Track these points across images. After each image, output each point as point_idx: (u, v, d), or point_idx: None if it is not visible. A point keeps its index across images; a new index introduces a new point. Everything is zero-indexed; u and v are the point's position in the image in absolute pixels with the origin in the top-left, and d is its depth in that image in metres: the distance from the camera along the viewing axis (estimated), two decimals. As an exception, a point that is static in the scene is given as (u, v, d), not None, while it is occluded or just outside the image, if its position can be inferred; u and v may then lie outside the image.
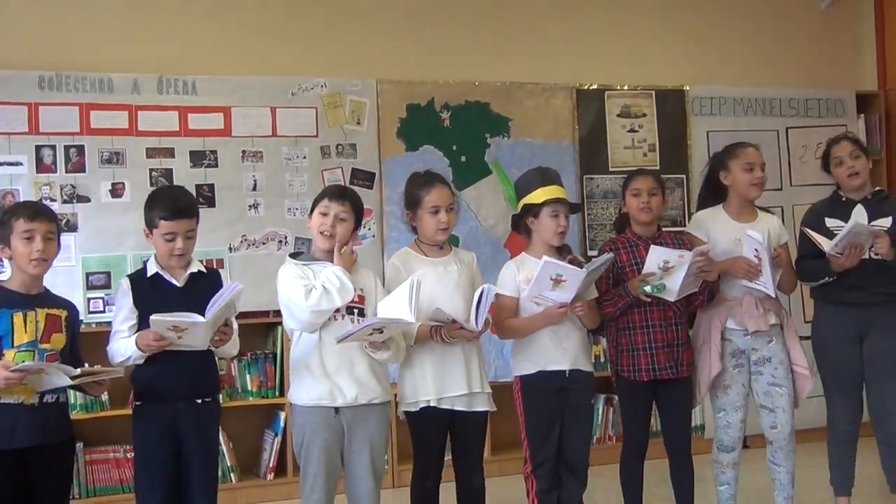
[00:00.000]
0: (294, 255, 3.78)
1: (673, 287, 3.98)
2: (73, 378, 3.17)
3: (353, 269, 3.71)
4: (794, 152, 6.56)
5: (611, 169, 6.08)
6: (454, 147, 5.91)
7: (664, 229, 4.43)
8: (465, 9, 6.21)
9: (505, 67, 6.16)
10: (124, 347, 3.42)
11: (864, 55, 7.14)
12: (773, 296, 4.19)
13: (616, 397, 5.52)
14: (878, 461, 4.55)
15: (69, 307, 3.43)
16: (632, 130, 6.29)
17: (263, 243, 5.47)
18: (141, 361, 3.42)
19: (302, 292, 3.53)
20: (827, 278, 4.38)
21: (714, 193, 4.44)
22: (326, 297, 3.53)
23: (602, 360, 5.91)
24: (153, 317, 3.30)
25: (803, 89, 6.69)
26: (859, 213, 4.35)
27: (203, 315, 3.28)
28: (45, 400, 3.23)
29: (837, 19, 7.07)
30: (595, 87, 6.25)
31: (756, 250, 4.07)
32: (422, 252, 3.96)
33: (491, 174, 5.92)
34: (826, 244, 4.18)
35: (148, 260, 3.62)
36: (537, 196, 4.00)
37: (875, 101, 6.90)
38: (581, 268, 3.83)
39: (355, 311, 3.66)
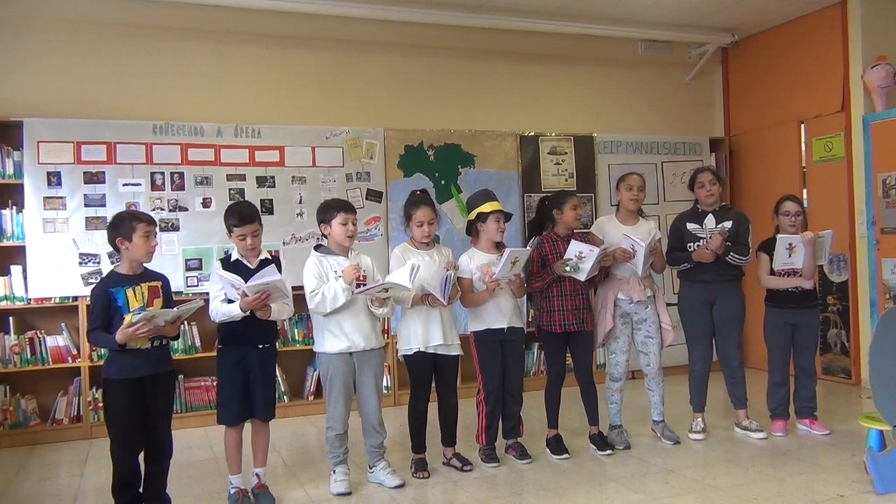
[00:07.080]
0: (317, 248, 3.76)
1: (584, 269, 4.00)
2: (171, 315, 3.13)
3: (357, 259, 3.74)
4: (667, 179, 6.55)
5: (542, 190, 6.04)
6: (436, 174, 5.86)
7: (576, 231, 4.38)
8: (444, 81, 6.17)
9: (471, 120, 6.12)
10: (233, 309, 3.39)
11: (714, 112, 7.15)
12: (641, 274, 4.22)
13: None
14: (724, 388, 4.58)
15: (162, 279, 3.35)
16: (557, 164, 6.25)
17: (306, 239, 5.40)
18: (239, 318, 3.40)
19: (309, 295, 3.58)
20: (686, 265, 4.43)
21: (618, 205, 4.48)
22: (323, 303, 3.57)
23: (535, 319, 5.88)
24: (220, 270, 3.40)
25: (673, 136, 6.67)
26: (709, 220, 4.42)
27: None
28: (154, 345, 3.22)
29: (696, 88, 7.07)
30: (532, 134, 6.21)
31: (633, 245, 4.14)
32: (414, 246, 3.95)
33: (462, 192, 5.89)
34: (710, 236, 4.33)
35: (231, 250, 3.59)
36: (486, 208, 4.03)
37: (722, 144, 6.90)
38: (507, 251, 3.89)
39: (361, 286, 3.63)
